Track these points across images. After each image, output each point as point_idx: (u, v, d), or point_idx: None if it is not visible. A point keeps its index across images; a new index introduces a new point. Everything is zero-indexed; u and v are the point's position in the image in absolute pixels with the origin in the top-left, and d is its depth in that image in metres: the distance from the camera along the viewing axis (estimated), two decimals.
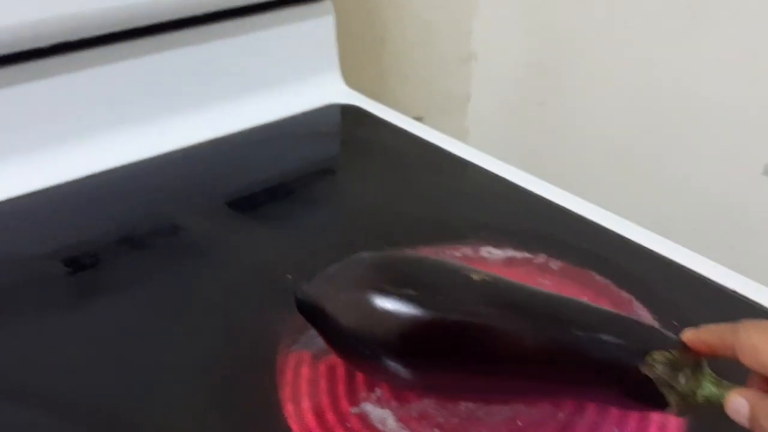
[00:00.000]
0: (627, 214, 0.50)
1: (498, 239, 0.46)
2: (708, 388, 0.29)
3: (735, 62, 0.68)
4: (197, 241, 0.48)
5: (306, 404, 0.35)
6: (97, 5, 0.50)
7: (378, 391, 0.35)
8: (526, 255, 0.45)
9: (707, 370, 0.29)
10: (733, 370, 0.29)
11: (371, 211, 0.52)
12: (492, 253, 0.45)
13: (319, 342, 0.38)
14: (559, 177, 0.88)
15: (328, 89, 0.66)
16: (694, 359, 0.29)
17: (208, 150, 0.58)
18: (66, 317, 0.41)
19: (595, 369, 0.30)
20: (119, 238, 0.47)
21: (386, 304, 0.32)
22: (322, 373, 0.36)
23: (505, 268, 0.43)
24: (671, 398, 0.29)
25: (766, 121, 0.69)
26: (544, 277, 0.42)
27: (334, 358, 0.37)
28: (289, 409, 0.34)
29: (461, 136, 0.94)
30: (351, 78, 0.69)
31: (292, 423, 0.34)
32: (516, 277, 0.42)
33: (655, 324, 0.40)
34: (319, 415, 0.34)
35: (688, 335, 0.29)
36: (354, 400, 0.35)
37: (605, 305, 0.40)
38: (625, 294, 0.41)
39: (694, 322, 0.39)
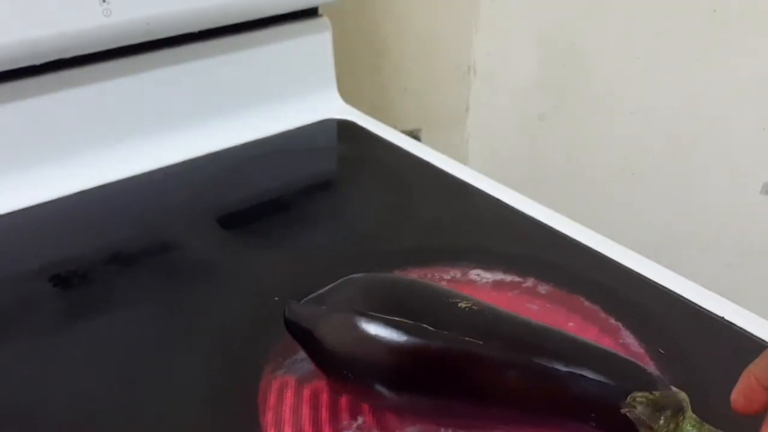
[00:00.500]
0: (626, 229, 0.50)
1: (488, 262, 0.46)
2: (688, 431, 0.28)
3: (737, 82, 0.68)
4: (189, 259, 0.48)
5: (288, 430, 0.34)
6: (92, 23, 0.51)
7: (360, 419, 0.35)
8: (515, 278, 0.44)
9: (689, 413, 0.29)
10: (718, 413, 0.29)
11: (363, 230, 0.51)
12: (481, 276, 0.45)
13: (304, 367, 0.38)
14: (557, 191, 0.88)
15: (325, 105, 0.66)
16: (676, 401, 0.29)
17: (203, 165, 0.58)
18: (54, 336, 0.41)
19: (576, 405, 0.30)
20: (109, 255, 0.47)
21: (372, 328, 0.32)
22: (306, 398, 0.36)
23: (493, 292, 0.43)
24: None
25: (765, 141, 0.68)
26: (533, 302, 0.42)
27: (318, 384, 0.37)
28: None
29: (460, 149, 0.94)
30: (350, 91, 0.69)
31: None
32: (504, 300, 0.42)
33: (642, 350, 0.40)
34: None
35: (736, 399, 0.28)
36: (336, 428, 0.35)
37: (592, 332, 0.40)
38: (612, 321, 0.41)
39: (681, 350, 0.39)
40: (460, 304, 0.33)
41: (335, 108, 0.66)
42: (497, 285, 0.44)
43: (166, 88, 0.58)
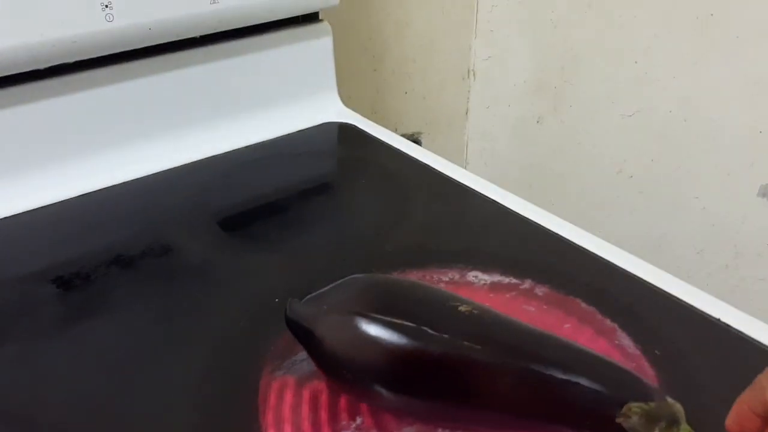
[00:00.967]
0: (621, 230, 0.50)
1: (486, 264, 0.46)
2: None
3: (735, 86, 0.69)
4: (189, 262, 0.48)
5: (288, 430, 0.35)
6: (95, 27, 0.51)
7: (359, 420, 0.35)
8: (513, 280, 0.45)
9: (684, 425, 0.29)
10: (713, 416, 0.29)
11: (363, 232, 0.52)
12: (479, 277, 0.45)
13: (304, 367, 0.39)
14: (556, 193, 0.88)
15: (326, 108, 0.67)
16: (671, 412, 0.29)
17: (205, 169, 0.59)
18: (55, 338, 0.42)
19: (571, 413, 0.30)
20: (111, 257, 0.48)
21: (372, 330, 0.33)
22: (306, 399, 0.37)
23: (490, 293, 0.44)
24: None
25: (762, 145, 0.69)
26: (530, 304, 0.43)
27: (317, 385, 0.37)
28: None
29: (459, 151, 0.95)
30: (351, 95, 0.70)
31: None
32: (501, 302, 0.43)
33: (638, 351, 0.40)
34: None
35: (730, 426, 0.29)
36: (335, 428, 0.35)
37: (588, 333, 0.41)
38: (608, 323, 0.41)
39: (677, 352, 0.40)
40: (460, 308, 0.33)
41: (336, 111, 0.67)
42: (495, 287, 0.44)
43: (167, 92, 0.58)
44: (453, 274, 0.45)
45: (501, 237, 0.51)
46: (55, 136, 0.54)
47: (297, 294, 0.44)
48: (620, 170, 0.81)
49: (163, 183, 0.57)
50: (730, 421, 0.29)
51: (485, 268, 0.45)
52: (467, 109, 0.94)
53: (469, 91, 0.93)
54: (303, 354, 0.39)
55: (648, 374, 0.38)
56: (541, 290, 0.44)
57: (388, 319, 0.33)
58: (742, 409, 0.29)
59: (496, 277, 0.45)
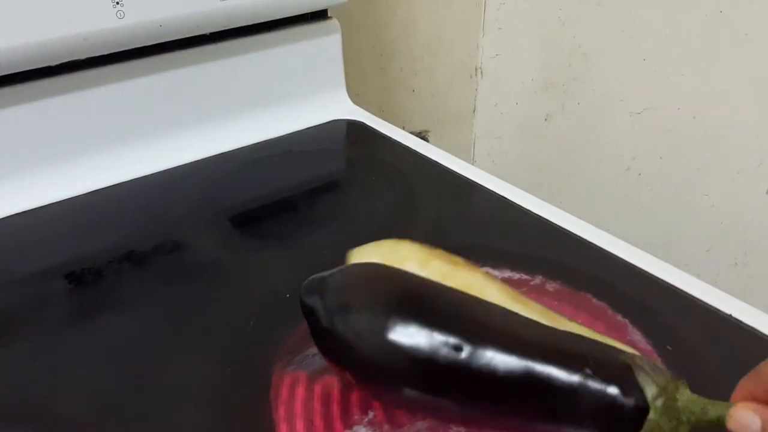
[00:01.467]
0: (630, 229, 0.50)
1: (497, 260, 0.46)
2: (687, 395, 0.29)
3: (744, 84, 0.68)
4: (199, 258, 0.48)
5: (300, 425, 0.35)
6: (106, 24, 0.51)
7: (371, 414, 0.35)
8: (524, 276, 0.45)
9: (688, 389, 0.29)
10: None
11: (372, 228, 0.52)
12: (489, 273, 0.45)
13: (315, 362, 0.39)
14: (563, 191, 0.88)
15: (334, 106, 0.67)
16: (672, 373, 0.29)
17: (213, 166, 0.59)
18: (67, 333, 0.42)
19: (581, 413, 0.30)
20: (123, 254, 0.48)
21: (405, 338, 0.31)
22: (317, 394, 0.37)
23: None
24: (649, 391, 0.28)
25: None
26: (540, 300, 0.42)
27: (329, 380, 0.37)
28: (282, 430, 0.35)
29: (467, 149, 0.95)
30: (359, 93, 0.70)
31: None
32: None
33: (650, 347, 0.40)
34: None
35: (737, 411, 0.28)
36: (347, 423, 0.35)
37: (600, 329, 0.41)
38: (620, 318, 0.41)
39: (689, 348, 0.40)
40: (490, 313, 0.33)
41: (344, 109, 0.67)
42: (505, 283, 0.44)
43: (177, 89, 0.58)
44: None
45: (511, 233, 0.51)
46: (66, 133, 0.54)
47: None
48: (629, 168, 0.81)
49: (173, 180, 0.57)
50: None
51: (496, 264, 0.45)
52: (475, 108, 0.94)
53: (476, 89, 0.93)
54: (314, 349, 0.39)
55: None
56: (551, 286, 0.44)
57: (421, 326, 0.32)
58: (743, 395, 0.28)
59: (507, 273, 0.45)
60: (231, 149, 0.60)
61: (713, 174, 0.74)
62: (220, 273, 0.47)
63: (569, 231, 0.50)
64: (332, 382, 0.37)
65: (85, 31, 0.51)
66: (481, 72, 0.92)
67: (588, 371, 0.30)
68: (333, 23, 0.65)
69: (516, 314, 0.34)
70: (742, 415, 0.27)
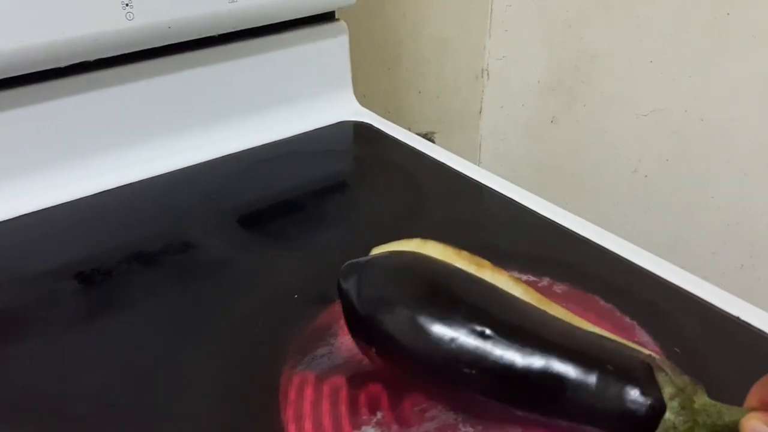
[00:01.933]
0: (636, 232, 0.50)
1: (504, 262, 0.46)
2: (705, 399, 0.29)
3: (751, 85, 0.68)
4: (208, 258, 0.48)
5: (308, 425, 0.35)
6: (115, 26, 0.52)
7: (379, 414, 0.35)
8: (531, 278, 0.45)
9: (705, 394, 0.29)
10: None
11: (380, 229, 0.52)
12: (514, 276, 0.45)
13: (323, 363, 0.39)
14: (570, 194, 0.88)
15: (341, 107, 0.67)
16: (692, 378, 0.29)
17: (221, 166, 0.59)
18: (74, 332, 0.42)
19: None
20: (130, 254, 0.48)
21: (434, 327, 0.32)
22: (326, 394, 0.37)
23: None
24: (667, 391, 0.29)
25: None
26: None
27: (337, 380, 0.38)
28: (291, 430, 0.35)
29: (473, 150, 0.95)
30: (365, 94, 0.70)
31: None
32: None
33: (658, 348, 0.40)
34: None
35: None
36: (355, 423, 0.35)
37: (607, 330, 0.40)
38: (627, 320, 0.41)
39: (697, 350, 0.40)
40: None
41: (351, 110, 0.67)
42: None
43: (186, 90, 0.59)
44: None
45: (518, 234, 0.51)
46: (75, 134, 0.54)
47: (315, 290, 0.44)
48: (635, 170, 0.81)
49: (181, 181, 0.57)
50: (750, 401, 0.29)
51: (504, 266, 0.45)
52: (481, 109, 0.94)
53: (482, 91, 0.93)
54: (323, 350, 0.40)
55: None
56: (559, 288, 0.44)
57: (451, 316, 0.32)
58: (756, 400, 0.28)
59: (514, 275, 0.45)
60: (238, 150, 0.61)
61: (720, 176, 0.74)
62: (229, 273, 0.47)
63: (576, 233, 0.50)
64: (341, 382, 0.37)
65: (95, 33, 0.51)
66: (488, 74, 0.92)
67: (609, 367, 0.30)
68: (341, 25, 0.66)
69: (543, 311, 0.34)
70: (753, 426, 0.27)
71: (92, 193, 0.54)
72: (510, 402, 0.32)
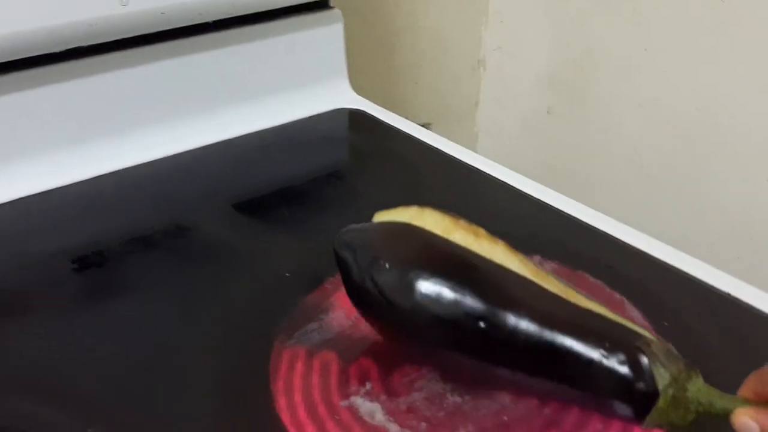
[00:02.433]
0: (632, 223, 0.51)
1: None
2: (698, 386, 0.29)
3: (750, 78, 0.69)
4: (203, 241, 0.49)
5: (298, 398, 0.35)
6: (109, 12, 0.52)
7: (368, 385, 0.36)
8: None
9: (701, 378, 0.29)
10: (722, 385, 0.29)
11: (375, 212, 0.52)
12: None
13: (314, 338, 0.39)
14: (566, 185, 0.88)
15: (337, 95, 0.67)
16: (688, 362, 0.29)
17: (218, 153, 0.60)
18: (74, 314, 0.42)
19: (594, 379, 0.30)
20: (128, 238, 0.49)
21: (430, 292, 0.33)
22: (316, 368, 0.37)
23: None
24: (661, 381, 0.28)
25: None
26: None
27: (327, 354, 0.38)
28: (281, 402, 0.35)
29: (470, 142, 0.95)
30: (361, 84, 0.70)
31: (284, 415, 0.34)
32: None
33: (646, 323, 0.40)
34: (310, 408, 0.35)
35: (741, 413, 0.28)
36: (344, 394, 0.36)
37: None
38: (617, 295, 0.41)
39: (686, 325, 0.40)
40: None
41: (347, 98, 0.67)
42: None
43: (180, 77, 0.59)
44: None
45: (510, 216, 0.51)
46: (71, 120, 0.55)
47: (308, 270, 0.45)
48: (633, 162, 0.81)
49: (177, 166, 0.57)
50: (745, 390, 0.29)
51: None
52: (477, 101, 0.95)
53: (479, 83, 0.93)
54: (313, 325, 0.40)
55: None
56: (549, 266, 0.44)
57: (447, 282, 0.33)
58: (750, 390, 0.28)
59: None
60: (234, 137, 0.61)
61: (718, 167, 0.74)
62: (224, 255, 0.47)
63: (567, 213, 0.51)
64: (331, 356, 0.38)
65: (90, 18, 0.51)
66: (484, 65, 0.92)
67: (603, 352, 0.30)
68: (335, 12, 0.66)
69: (539, 286, 0.34)
70: (743, 421, 0.27)
71: (88, 178, 0.55)
72: (500, 363, 0.32)
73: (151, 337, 0.40)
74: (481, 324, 0.32)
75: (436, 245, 0.35)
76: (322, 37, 0.66)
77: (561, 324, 0.31)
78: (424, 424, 0.34)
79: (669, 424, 0.29)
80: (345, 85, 0.68)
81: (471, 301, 0.32)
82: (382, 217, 0.40)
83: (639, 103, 0.78)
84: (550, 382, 0.32)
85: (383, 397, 0.35)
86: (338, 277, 0.38)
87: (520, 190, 0.54)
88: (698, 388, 0.29)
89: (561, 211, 0.51)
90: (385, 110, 0.66)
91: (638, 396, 0.29)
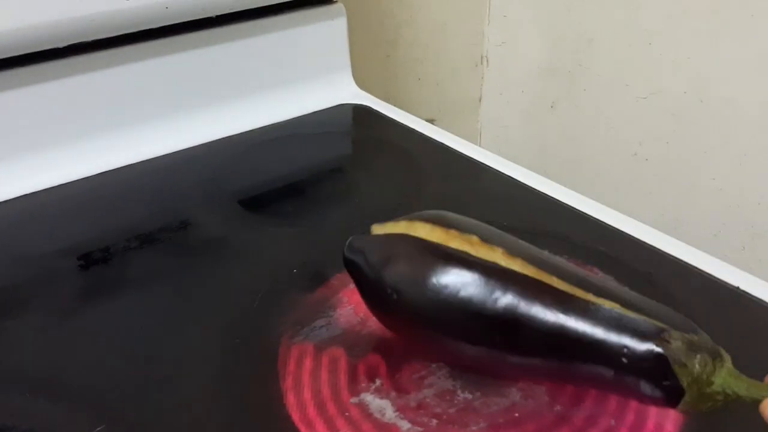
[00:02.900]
0: (637, 215, 0.50)
1: None
2: (724, 377, 0.28)
3: (751, 66, 0.68)
4: (208, 237, 0.49)
5: (307, 394, 0.35)
6: (113, 6, 0.52)
7: (378, 382, 0.36)
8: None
9: (728, 363, 0.28)
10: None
11: (379, 207, 0.52)
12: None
13: (322, 334, 0.39)
14: (571, 179, 0.88)
15: (340, 90, 0.67)
16: (714, 348, 0.29)
17: (221, 148, 0.59)
18: (79, 311, 0.42)
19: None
20: (131, 234, 0.48)
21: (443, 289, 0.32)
22: (324, 364, 0.37)
23: None
24: (684, 380, 0.28)
25: None
26: None
27: (336, 350, 0.38)
28: (290, 399, 0.35)
29: (473, 138, 0.95)
30: (364, 80, 0.70)
31: (293, 412, 0.34)
32: None
33: None
34: (319, 405, 0.35)
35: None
36: (354, 391, 0.35)
37: None
38: None
39: (696, 320, 0.40)
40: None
41: (350, 93, 0.67)
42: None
43: (184, 72, 0.59)
44: None
45: (518, 211, 0.51)
46: (74, 116, 0.54)
47: (314, 266, 0.44)
48: (635, 153, 0.81)
49: (180, 162, 0.57)
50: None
51: None
52: (480, 96, 0.94)
53: (482, 78, 0.93)
54: (321, 321, 0.40)
55: None
56: None
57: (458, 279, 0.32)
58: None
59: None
60: (237, 132, 0.61)
61: (720, 157, 0.74)
62: (229, 251, 0.47)
63: (574, 208, 0.50)
64: (339, 353, 0.37)
65: (92, 13, 0.51)
66: (487, 60, 0.92)
67: (624, 360, 0.29)
68: (338, 7, 0.66)
69: (552, 287, 0.33)
70: None
71: (92, 174, 0.54)
72: (518, 355, 0.32)
73: (157, 335, 0.40)
74: (502, 324, 0.31)
75: (441, 246, 0.35)
76: (325, 32, 0.65)
77: (575, 338, 0.30)
78: (434, 421, 0.33)
79: (700, 412, 0.29)
80: (348, 80, 0.68)
81: (492, 300, 0.32)
82: (377, 231, 0.39)
83: (642, 94, 0.78)
84: (572, 380, 0.32)
85: (393, 393, 0.35)
86: (345, 273, 0.38)
87: (525, 184, 0.54)
88: (724, 378, 0.28)
89: (566, 204, 0.51)
90: (388, 105, 0.66)
91: (664, 393, 0.29)
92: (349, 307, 0.40)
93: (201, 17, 0.58)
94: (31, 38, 0.50)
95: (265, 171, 0.57)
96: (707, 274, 0.43)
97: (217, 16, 0.59)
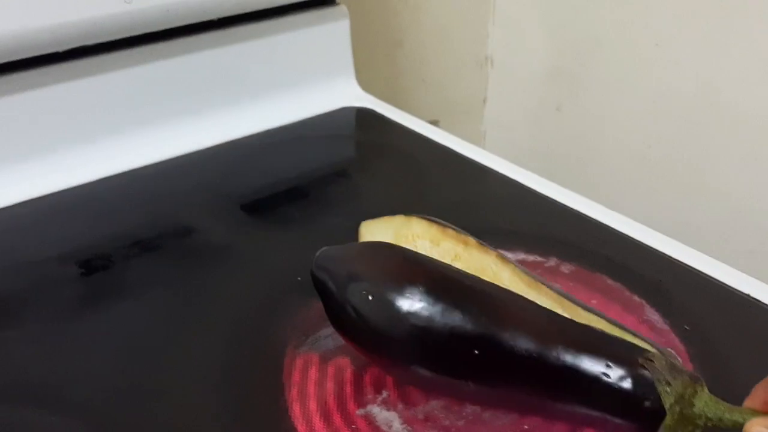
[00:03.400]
0: (645, 218, 0.50)
1: (510, 243, 0.45)
2: (705, 400, 0.28)
3: (759, 68, 0.68)
4: (210, 243, 0.48)
5: (312, 405, 0.35)
6: (114, 9, 0.51)
7: (384, 393, 0.35)
8: (538, 258, 0.44)
9: (706, 390, 0.29)
10: (743, 388, 0.29)
11: (384, 212, 0.51)
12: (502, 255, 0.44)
13: (327, 344, 0.38)
14: (576, 182, 0.87)
15: (343, 93, 0.67)
16: (692, 373, 0.29)
17: (223, 153, 0.59)
18: (78, 319, 0.42)
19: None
20: (133, 240, 0.48)
21: (414, 314, 0.31)
22: (330, 374, 0.36)
23: None
24: (667, 401, 0.28)
25: None
26: (555, 281, 0.42)
27: (342, 360, 0.37)
28: (295, 410, 0.34)
29: (477, 140, 0.94)
30: (367, 81, 0.69)
31: (298, 424, 0.34)
32: None
33: (667, 326, 0.39)
34: (325, 416, 0.34)
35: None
36: (361, 402, 0.35)
37: (616, 309, 0.40)
38: (636, 299, 0.41)
39: (707, 327, 0.39)
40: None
41: (354, 96, 0.66)
42: (519, 265, 0.44)
43: (185, 76, 0.58)
44: None
45: (524, 216, 0.50)
46: (75, 120, 0.54)
47: None
48: (643, 156, 0.80)
49: (183, 167, 0.57)
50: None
51: (509, 247, 0.45)
52: (485, 98, 0.94)
53: (486, 79, 0.92)
54: (326, 330, 0.39)
55: (678, 349, 0.37)
56: (567, 268, 0.43)
57: (430, 302, 0.31)
58: (757, 400, 0.28)
59: (521, 256, 0.44)
60: (240, 136, 0.60)
61: (729, 160, 0.73)
62: (232, 257, 0.46)
63: (582, 213, 0.50)
64: (345, 363, 0.37)
65: (93, 17, 0.50)
66: (491, 61, 0.91)
67: (605, 372, 0.29)
68: (341, 9, 0.65)
69: (531, 302, 0.33)
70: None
71: (93, 179, 0.54)
72: (497, 386, 0.31)
73: (159, 343, 0.39)
74: (475, 350, 0.30)
75: (418, 265, 0.33)
76: (328, 34, 0.65)
77: (559, 345, 0.30)
78: None
79: None
80: (351, 83, 0.67)
81: (462, 326, 0.30)
82: (368, 226, 0.38)
83: (649, 96, 0.77)
84: (553, 404, 0.31)
85: (400, 405, 0.34)
86: None
87: (530, 188, 0.53)
88: (705, 402, 0.28)
89: (572, 208, 0.50)
90: (392, 108, 0.65)
91: (645, 415, 0.29)
92: None
93: (203, 20, 0.57)
94: (31, 42, 0.49)
95: (268, 176, 0.56)
96: (717, 281, 0.43)
97: (219, 19, 0.59)
